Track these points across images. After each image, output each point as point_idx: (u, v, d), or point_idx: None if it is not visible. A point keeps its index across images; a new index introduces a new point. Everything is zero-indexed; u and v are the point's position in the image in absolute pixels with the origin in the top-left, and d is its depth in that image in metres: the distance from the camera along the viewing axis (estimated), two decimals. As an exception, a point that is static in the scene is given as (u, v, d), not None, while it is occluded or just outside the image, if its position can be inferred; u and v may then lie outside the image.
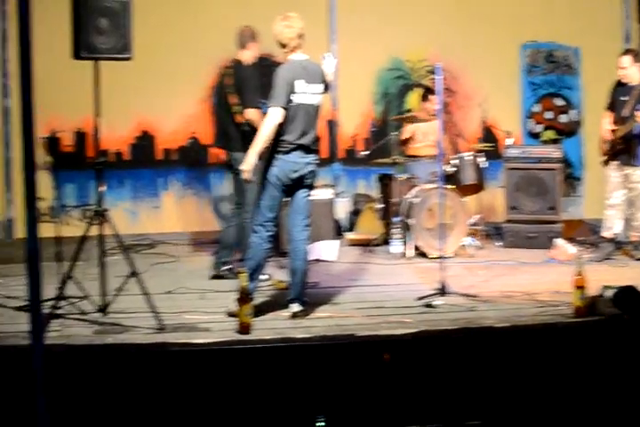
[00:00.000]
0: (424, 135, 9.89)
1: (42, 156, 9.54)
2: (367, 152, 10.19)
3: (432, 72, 10.63)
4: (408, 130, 9.92)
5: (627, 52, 8.80)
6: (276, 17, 6.48)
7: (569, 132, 11.96)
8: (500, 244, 9.63)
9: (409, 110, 11.09)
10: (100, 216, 6.24)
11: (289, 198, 6.54)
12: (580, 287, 6.32)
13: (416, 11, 11.15)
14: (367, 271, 8.29)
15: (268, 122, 6.30)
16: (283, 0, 9.60)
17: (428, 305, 6.74)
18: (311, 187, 6.56)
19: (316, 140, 6.53)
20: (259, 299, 6.64)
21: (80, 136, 10.29)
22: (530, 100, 11.85)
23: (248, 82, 7.64)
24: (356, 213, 10.54)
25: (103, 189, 6.33)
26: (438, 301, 6.82)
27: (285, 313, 6.44)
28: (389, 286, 7.61)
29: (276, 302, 6.79)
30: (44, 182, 8.89)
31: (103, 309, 6.31)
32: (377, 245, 9.43)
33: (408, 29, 11.08)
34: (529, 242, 9.50)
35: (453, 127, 11.09)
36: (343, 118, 11.15)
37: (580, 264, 6.40)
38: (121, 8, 6.19)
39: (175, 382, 5.35)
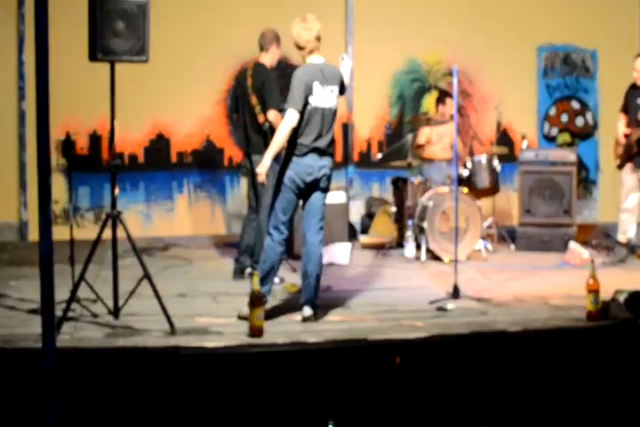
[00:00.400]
0: (439, 138, 9.87)
1: (56, 158, 9.60)
2: (381, 155, 10.17)
3: (448, 75, 10.65)
4: (424, 133, 9.90)
5: (642, 54, 8.76)
6: (292, 19, 6.46)
7: (584, 135, 11.92)
8: (514, 247, 9.60)
9: (425, 113, 11.08)
10: (114, 219, 6.25)
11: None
12: (593, 291, 6.30)
13: (432, 13, 11.13)
14: (380, 275, 8.28)
15: (284, 125, 6.30)
16: (299, 2, 9.68)
17: (441, 309, 6.73)
18: (326, 190, 6.53)
19: (332, 143, 6.50)
20: (271, 302, 6.64)
21: (95, 139, 10.31)
22: (546, 102, 11.81)
23: (271, 83, 7.63)
24: (369, 217, 10.53)
25: (117, 191, 6.33)
26: (451, 304, 6.81)
27: (297, 317, 6.44)
28: (402, 289, 7.61)
29: (288, 306, 6.78)
30: (59, 185, 8.92)
31: (115, 312, 6.31)
32: (391, 248, 9.41)
33: (424, 32, 11.07)
34: (543, 245, 9.48)
35: (469, 130, 11.08)
36: (358, 121, 11.14)
37: (593, 268, 6.37)
38: (138, 10, 6.15)
39: (187, 386, 5.35)
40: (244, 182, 9.19)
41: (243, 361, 5.56)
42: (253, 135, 7.71)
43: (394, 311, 6.71)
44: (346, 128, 11.06)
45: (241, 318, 6.27)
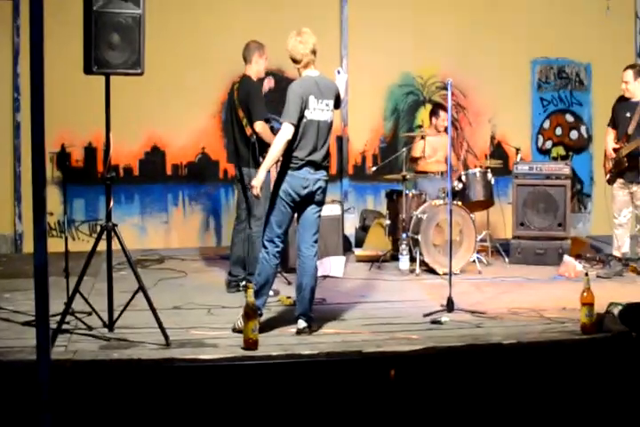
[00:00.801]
0: (433, 151, 9.88)
1: (51, 170, 9.61)
2: (375, 168, 10.19)
3: (442, 88, 10.69)
4: (418, 147, 9.90)
5: (631, 66, 8.74)
6: (288, 32, 6.49)
7: (579, 148, 11.96)
8: (508, 260, 9.61)
9: (419, 126, 11.11)
10: (109, 231, 6.25)
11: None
12: (588, 304, 6.30)
13: (427, 27, 11.18)
14: (375, 287, 8.28)
15: (279, 138, 6.31)
16: (295, 15, 9.73)
17: (435, 322, 6.73)
18: (321, 203, 6.54)
19: (327, 156, 6.51)
20: (265, 315, 6.63)
21: (90, 151, 10.32)
22: (540, 116, 11.85)
23: (255, 95, 7.68)
24: (364, 229, 10.53)
25: (112, 204, 6.33)
26: (445, 317, 6.81)
27: (292, 329, 6.44)
28: (397, 302, 7.61)
29: (283, 318, 6.79)
30: (54, 197, 8.93)
31: (110, 324, 6.31)
32: (385, 261, 9.41)
33: (419, 45, 11.13)
34: (537, 258, 9.49)
35: (463, 143, 11.10)
36: (353, 134, 11.17)
37: (588, 281, 6.38)
38: (134, 23, 6.15)
39: (181, 398, 5.34)
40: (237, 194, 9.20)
41: (237, 374, 5.55)
42: (242, 148, 7.75)
43: (388, 324, 6.70)
44: (340, 141, 11.08)
45: (235, 330, 6.27)
